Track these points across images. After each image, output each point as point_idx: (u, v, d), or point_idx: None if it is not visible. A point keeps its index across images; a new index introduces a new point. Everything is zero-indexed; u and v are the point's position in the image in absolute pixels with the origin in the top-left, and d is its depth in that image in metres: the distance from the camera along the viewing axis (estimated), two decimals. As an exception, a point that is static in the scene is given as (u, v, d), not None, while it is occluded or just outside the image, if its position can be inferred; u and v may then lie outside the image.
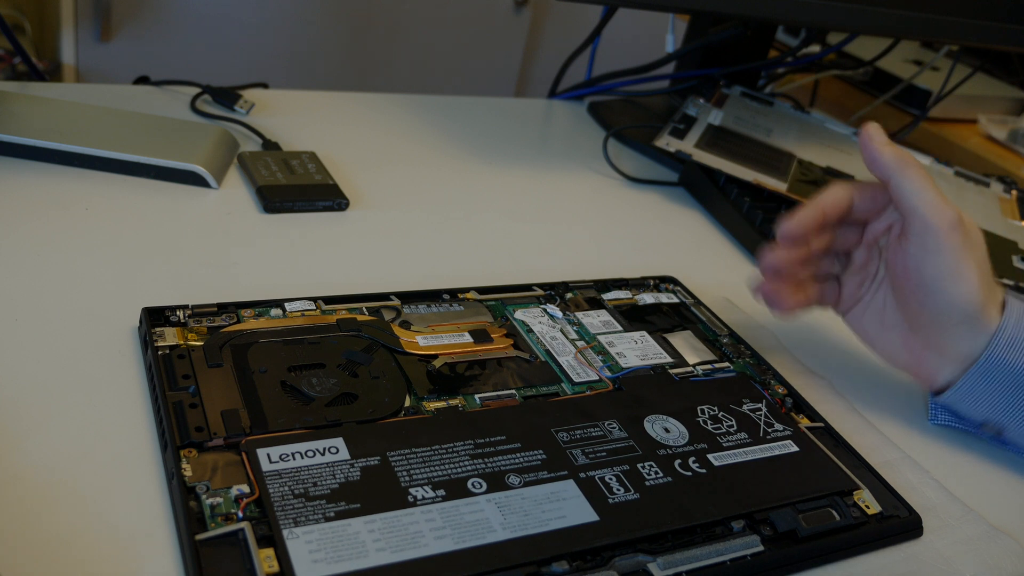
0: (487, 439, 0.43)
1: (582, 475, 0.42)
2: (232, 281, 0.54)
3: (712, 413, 0.48)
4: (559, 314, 0.55)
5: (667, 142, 0.78)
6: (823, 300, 0.54)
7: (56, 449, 0.40)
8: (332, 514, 0.37)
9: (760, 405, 0.49)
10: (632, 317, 0.56)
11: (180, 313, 0.48)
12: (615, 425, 0.45)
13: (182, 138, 0.67)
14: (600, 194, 0.77)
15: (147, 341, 0.45)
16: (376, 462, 0.40)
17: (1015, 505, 0.48)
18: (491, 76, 1.88)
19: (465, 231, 0.66)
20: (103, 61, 1.50)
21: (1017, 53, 1.30)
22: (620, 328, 0.55)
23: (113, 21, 1.48)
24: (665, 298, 0.59)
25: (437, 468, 0.40)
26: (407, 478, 0.40)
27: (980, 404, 0.50)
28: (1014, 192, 0.87)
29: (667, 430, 0.46)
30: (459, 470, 0.41)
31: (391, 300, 0.53)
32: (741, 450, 0.45)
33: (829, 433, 0.49)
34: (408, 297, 0.54)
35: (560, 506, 0.40)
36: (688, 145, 0.78)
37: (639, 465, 0.43)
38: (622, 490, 0.41)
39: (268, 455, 0.39)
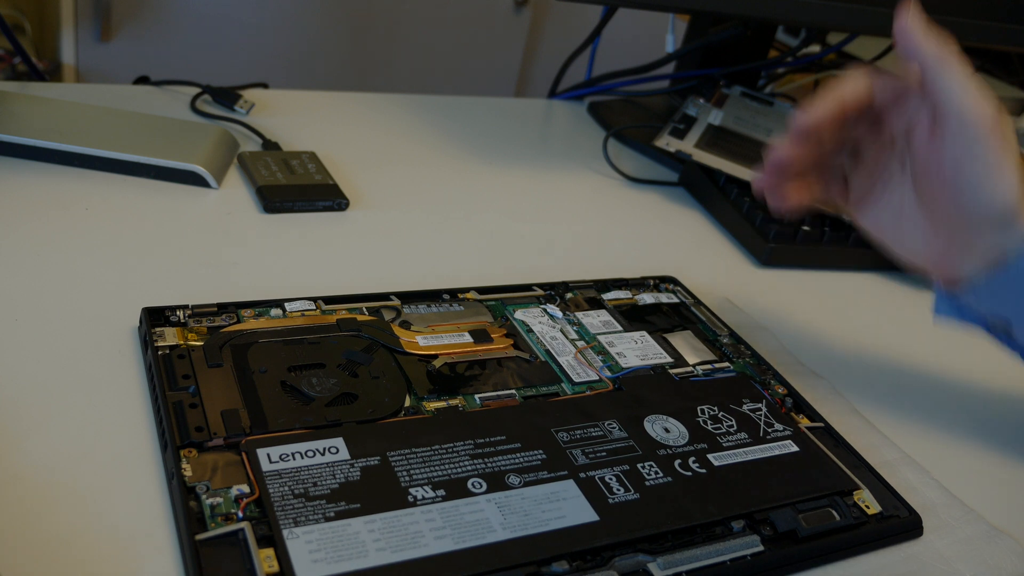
0: (487, 439, 0.43)
1: (582, 475, 0.42)
2: (232, 281, 0.54)
3: (712, 413, 0.48)
4: (559, 314, 0.55)
5: (667, 142, 0.78)
6: (828, 198, 0.52)
7: (56, 449, 0.40)
8: (332, 514, 0.37)
9: (760, 405, 0.49)
10: (632, 317, 0.56)
11: (180, 313, 0.48)
12: (615, 425, 0.45)
13: (182, 138, 0.67)
14: (600, 194, 0.77)
15: (147, 341, 0.45)
16: (376, 462, 0.40)
17: (1015, 505, 0.48)
18: (491, 76, 1.88)
19: (465, 231, 0.66)
20: (103, 61, 1.50)
21: (1017, 53, 1.30)
22: (620, 328, 0.55)
23: (113, 21, 1.48)
24: (665, 298, 0.59)
25: (437, 468, 0.40)
26: (407, 478, 0.40)
27: (996, 303, 0.48)
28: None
29: (667, 430, 0.46)
30: (459, 470, 0.41)
31: (391, 300, 0.53)
32: (741, 450, 0.45)
33: (829, 433, 0.49)
34: (408, 297, 0.54)
35: (560, 506, 0.40)
36: (688, 145, 0.78)
37: (639, 465, 0.43)
38: (622, 490, 0.41)
39: (268, 455, 0.39)
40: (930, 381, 0.58)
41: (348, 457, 0.40)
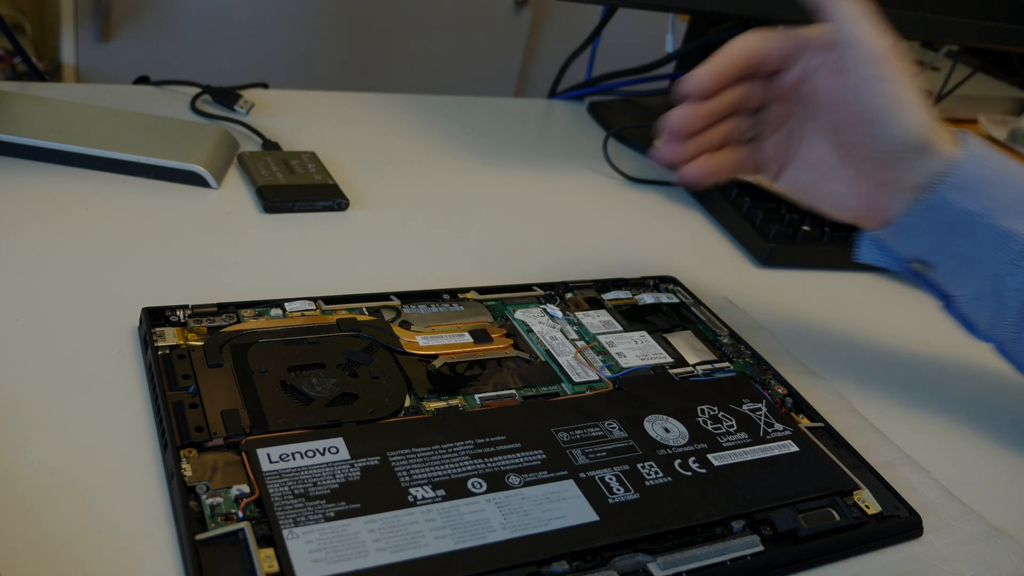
0: (487, 439, 0.43)
1: (582, 475, 0.42)
2: (232, 281, 0.54)
3: (712, 413, 0.48)
4: (559, 314, 0.55)
5: (667, 142, 0.78)
6: (742, 167, 0.52)
7: (56, 449, 0.40)
8: (332, 514, 0.37)
9: (760, 405, 0.49)
10: (632, 317, 0.56)
11: (180, 313, 0.48)
12: (615, 425, 0.45)
13: (182, 138, 0.67)
14: (600, 194, 0.77)
15: (147, 341, 0.45)
16: (376, 462, 0.40)
17: (1015, 505, 0.48)
18: (491, 76, 1.88)
19: (465, 231, 0.66)
20: (103, 61, 1.50)
21: (1017, 53, 1.30)
22: (620, 328, 0.55)
23: (113, 21, 1.48)
24: (665, 298, 0.59)
25: (437, 468, 0.40)
26: (407, 478, 0.40)
27: (917, 241, 0.49)
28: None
29: (667, 430, 0.46)
30: (459, 470, 0.41)
31: (391, 300, 0.53)
32: (741, 450, 0.45)
33: (829, 433, 0.49)
34: (408, 297, 0.54)
35: (560, 506, 0.40)
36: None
37: (639, 465, 0.43)
38: (622, 490, 0.41)
39: (268, 455, 0.39)
40: (930, 381, 0.58)
41: (348, 457, 0.40)
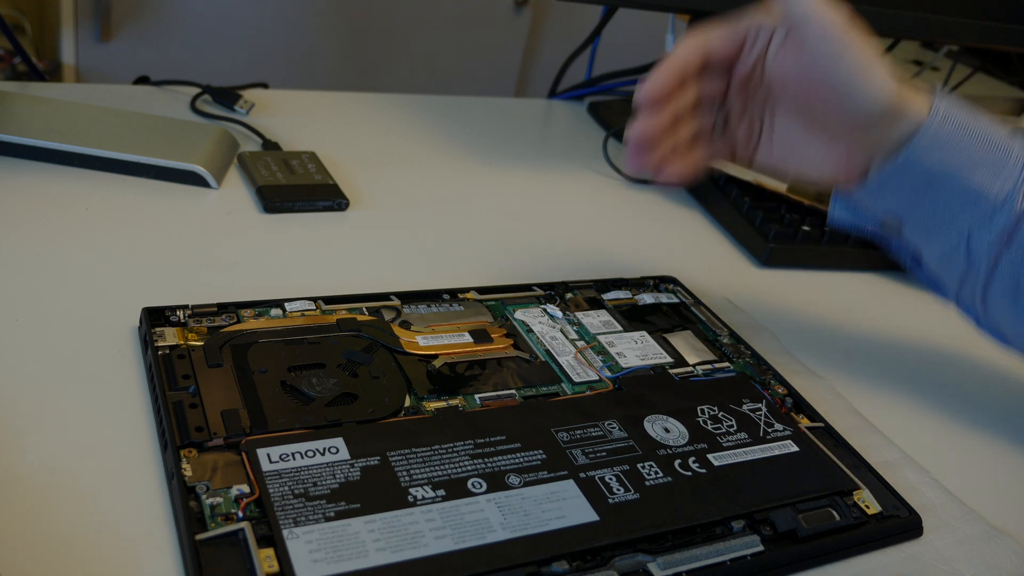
0: (487, 439, 0.43)
1: (582, 475, 0.42)
2: (232, 281, 0.54)
3: (712, 413, 0.48)
4: (559, 314, 0.55)
5: (667, 142, 0.78)
6: (715, 157, 0.52)
7: (56, 449, 0.40)
8: (332, 514, 0.37)
9: (760, 405, 0.49)
10: (632, 317, 0.56)
11: (180, 313, 0.48)
12: (615, 425, 0.45)
13: (182, 138, 0.67)
14: (600, 194, 0.77)
15: (147, 341, 0.45)
16: (376, 462, 0.40)
17: (1015, 505, 0.48)
18: (491, 76, 1.88)
19: (465, 231, 0.66)
20: (103, 61, 1.50)
21: (1017, 53, 1.30)
22: (620, 328, 0.55)
23: (113, 21, 1.48)
24: (665, 298, 0.59)
25: (437, 468, 0.40)
26: (407, 478, 0.40)
27: (889, 200, 0.49)
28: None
29: (667, 430, 0.46)
30: (459, 470, 0.41)
31: (391, 300, 0.53)
32: (741, 450, 0.45)
33: (829, 433, 0.49)
34: (408, 297, 0.54)
35: (560, 506, 0.40)
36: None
37: (639, 465, 0.43)
38: (622, 490, 0.41)
39: (268, 455, 0.39)
40: (930, 381, 0.58)
41: (348, 457, 0.40)
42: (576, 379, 0.49)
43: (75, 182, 0.62)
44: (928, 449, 0.51)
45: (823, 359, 0.58)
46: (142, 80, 0.81)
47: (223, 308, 0.49)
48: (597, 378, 0.50)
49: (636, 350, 0.53)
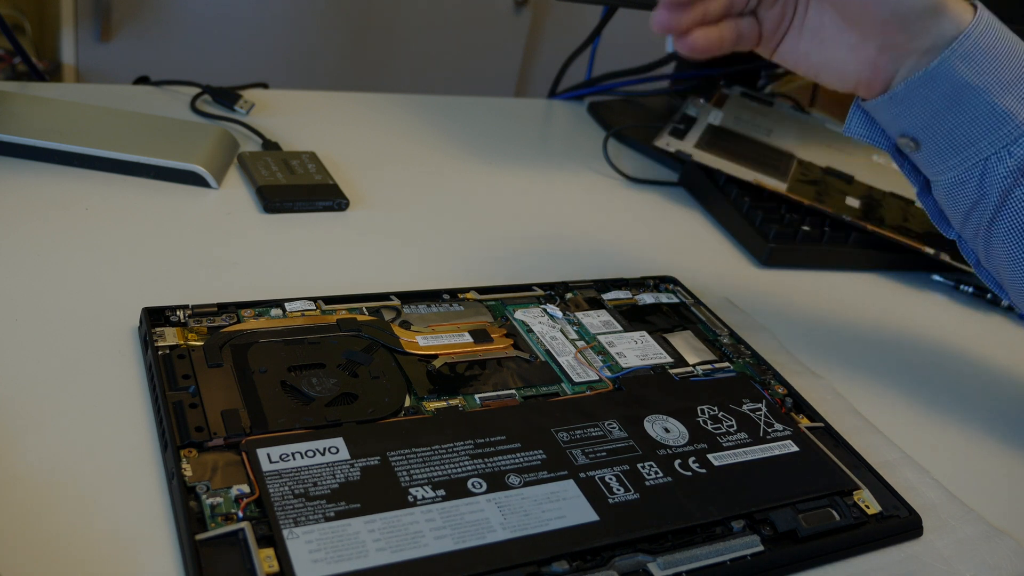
0: (487, 439, 0.43)
1: (582, 475, 0.42)
2: (232, 281, 0.54)
3: (712, 413, 0.48)
4: (559, 314, 0.55)
5: (667, 142, 0.78)
6: (740, 40, 0.51)
7: (56, 449, 0.40)
8: (332, 514, 0.37)
9: (760, 405, 0.49)
10: (632, 317, 0.56)
11: (180, 313, 0.48)
12: (615, 425, 0.45)
13: (182, 138, 0.67)
14: (600, 194, 0.77)
15: (147, 341, 0.45)
16: (376, 462, 0.40)
17: (1015, 505, 0.48)
18: (491, 76, 1.88)
19: (465, 231, 0.66)
20: (103, 61, 1.50)
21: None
22: (620, 328, 0.55)
23: (113, 21, 1.48)
24: (665, 298, 0.59)
25: (437, 468, 0.40)
26: (407, 478, 0.40)
27: (911, 114, 0.48)
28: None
29: (667, 430, 0.46)
30: (459, 470, 0.41)
31: (391, 300, 0.53)
32: (741, 450, 0.45)
33: (829, 433, 0.49)
34: (408, 297, 0.54)
35: (560, 506, 0.40)
36: (688, 145, 0.78)
37: (639, 465, 0.43)
38: (622, 490, 0.41)
39: (268, 455, 0.39)
40: (930, 381, 0.58)
41: (348, 457, 0.40)
42: (576, 379, 0.49)
43: (75, 182, 0.62)
44: (928, 449, 0.51)
45: (823, 359, 0.58)
46: (142, 80, 0.81)
47: (223, 308, 0.49)
48: (597, 378, 0.50)
49: (636, 350, 0.53)
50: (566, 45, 1.04)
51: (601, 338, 0.53)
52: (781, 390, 0.52)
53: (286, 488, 0.38)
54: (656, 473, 0.43)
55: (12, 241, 0.54)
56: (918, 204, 0.53)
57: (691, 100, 0.88)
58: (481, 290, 0.56)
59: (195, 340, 0.46)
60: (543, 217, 0.71)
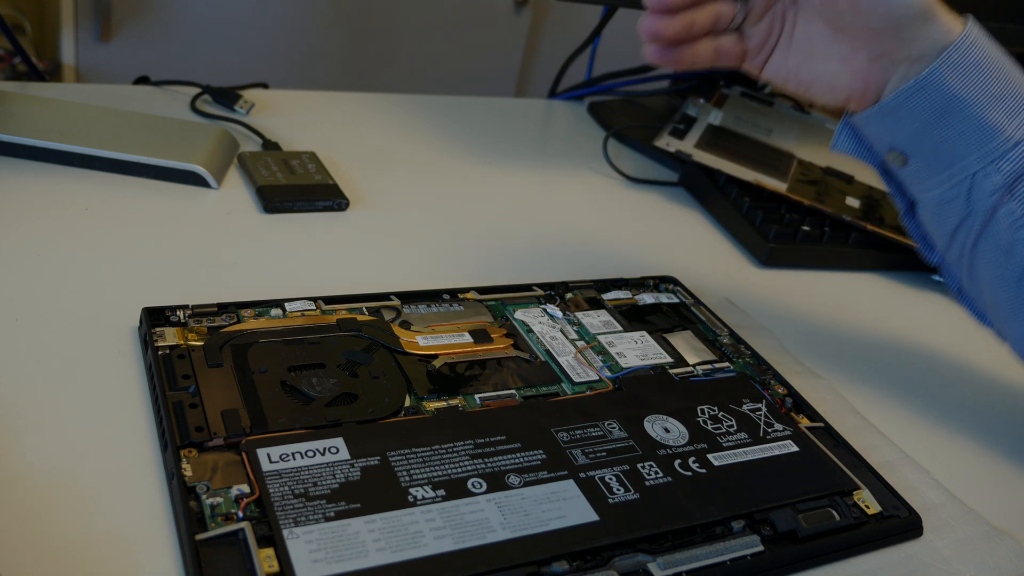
0: (487, 439, 0.43)
1: (582, 475, 0.42)
2: (232, 281, 0.54)
3: (712, 413, 0.48)
4: (559, 314, 0.55)
5: (667, 142, 0.78)
6: (724, 56, 0.51)
7: (56, 449, 0.40)
8: (332, 514, 0.37)
9: (760, 405, 0.49)
10: (632, 317, 0.56)
11: (180, 313, 0.48)
12: (615, 425, 0.45)
13: (182, 138, 0.67)
14: (600, 194, 0.77)
15: (147, 341, 0.45)
16: (376, 462, 0.40)
17: (1015, 505, 0.48)
18: (491, 76, 1.88)
19: (465, 231, 0.66)
20: (103, 61, 1.50)
21: (1017, 53, 1.30)
22: (620, 328, 0.55)
23: (113, 21, 1.48)
24: (665, 298, 0.59)
25: (437, 468, 0.40)
26: (407, 478, 0.40)
27: (900, 127, 0.47)
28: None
29: (667, 430, 0.46)
30: (459, 470, 0.41)
31: (391, 300, 0.53)
32: (741, 450, 0.45)
33: (829, 433, 0.49)
34: (408, 297, 0.54)
35: (560, 506, 0.40)
36: (688, 145, 0.78)
37: (639, 465, 0.43)
38: (622, 490, 0.41)
39: (268, 455, 0.39)
40: (930, 381, 0.58)
41: (348, 457, 0.40)
42: (576, 379, 0.49)
43: (75, 182, 0.62)
44: (928, 449, 0.51)
45: (823, 359, 0.58)
46: (142, 80, 0.81)
47: (223, 308, 0.49)
48: (597, 378, 0.50)
49: (636, 350, 0.53)
50: (566, 45, 1.04)
51: (601, 338, 0.53)
52: (781, 390, 0.52)
53: (286, 488, 0.38)
54: (656, 473, 0.43)
55: (12, 241, 0.54)
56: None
57: (691, 100, 0.88)
58: (481, 290, 0.56)
59: (195, 340, 0.46)
60: (543, 217, 0.71)
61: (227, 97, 0.77)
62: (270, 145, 0.72)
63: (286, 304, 0.50)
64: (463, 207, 0.70)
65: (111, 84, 0.79)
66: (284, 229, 0.62)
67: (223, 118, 0.74)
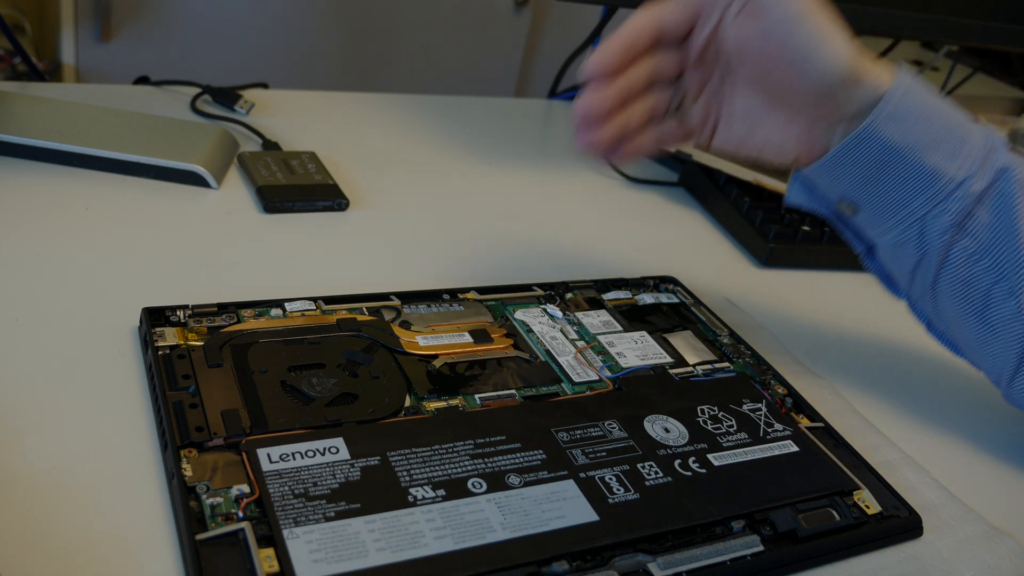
0: (487, 439, 0.43)
1: (582, 475, 0.42)
2: (232, 281, 0.54)
3: (712, 413, 0.48)
4: (559, 314, 0.55)
5: (667, 142, 0.78)
6: (668, 140, 0.51)
7: (56, 449, 0.40)
8: (332, 514, 0.37)
9: (760, 405, 0.49)
10: (632, 317, 0.56)
11: (180, 313, 0.48)
12: (615, 425, 0.45)
13: (182, 138, 0.67)
14: (600, 194, 0.77)
15: (147, 341, 0.45)
16: (376, 462, 0.40)
17: (1015, 505, 0.48)
18: (491, 76, 1.88)
19: (465, 231, 0.66)
20: (103, 61, 1.50)
21: (1017, 53, 1.30)
22: (620, 328, 0.55)
23: (113, 21, 1.48)
24: (665, 298, 0.59)
25: (437, 468, 0.40)
26: (407, 478, 0.40)
27: (845, 178, 0.48)
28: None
29: (667, 430, 0.46)
30: (459, 470, 0.41)
31: (391, 300, 0.53)
32: (741, 450, 0.45)
33: (829, 433, 0.49)
34: (408, 297, 0.54)
35: (560, 506, 0.40)
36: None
37: (639, 465, 0.43)
38: (622, 490, 0.41)
39: (268, 455, 0.39)
40: (930, 381, 0.58)
41: (348, 457, 0.40)
42: (576, 379, 0.49)
43: (75, 182, 0.62)
44: (928, 449, 0.51)
45: (823, 359, 0.58)
46: (142, 80, 0.81)
47: (223, 308, 0.49)
48: (597, 378, 0.50)
49: (636, 350, 0.53)
50: (566, 45, 1.04)
51: (601, 338, 0.53)
52: (781, 390, 0.52)
53: (286, 488, 0.38)
54: (656, 473, 0.43)
55: (12, 241, 0.54)
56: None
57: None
58: (481, 290, 0.56)
59: (195, 340, 0.46)
60: (543, 217, 0.71)
61: (227, 97, 0.77)
62: (270, 145, 0.72)
63: (286, 304, 0.50)
64: (463, 207, 0.70)
65: (111, 84, 0.79)
66: (284, 229, 0.62)
67: (223, 118, 0.74)
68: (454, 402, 0.46)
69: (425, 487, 0.39)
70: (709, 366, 0.53)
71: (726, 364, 0.53)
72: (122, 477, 0.39)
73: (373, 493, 0.38)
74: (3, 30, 0.73)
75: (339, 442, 0.41)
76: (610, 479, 0.42)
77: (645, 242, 0.70)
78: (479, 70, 1.86)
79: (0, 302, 0.49)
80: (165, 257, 0.56)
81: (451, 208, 0.69)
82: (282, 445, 0.40)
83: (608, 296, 0.58)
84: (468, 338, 0.51)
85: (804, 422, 0.49)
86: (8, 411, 0.41)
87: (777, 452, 0.46)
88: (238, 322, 0.48)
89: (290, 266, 0.57)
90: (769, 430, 0.47)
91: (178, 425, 0.40)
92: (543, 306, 0.56)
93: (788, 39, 0.45)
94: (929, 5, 0.79)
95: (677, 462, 0.44)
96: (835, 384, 0.55)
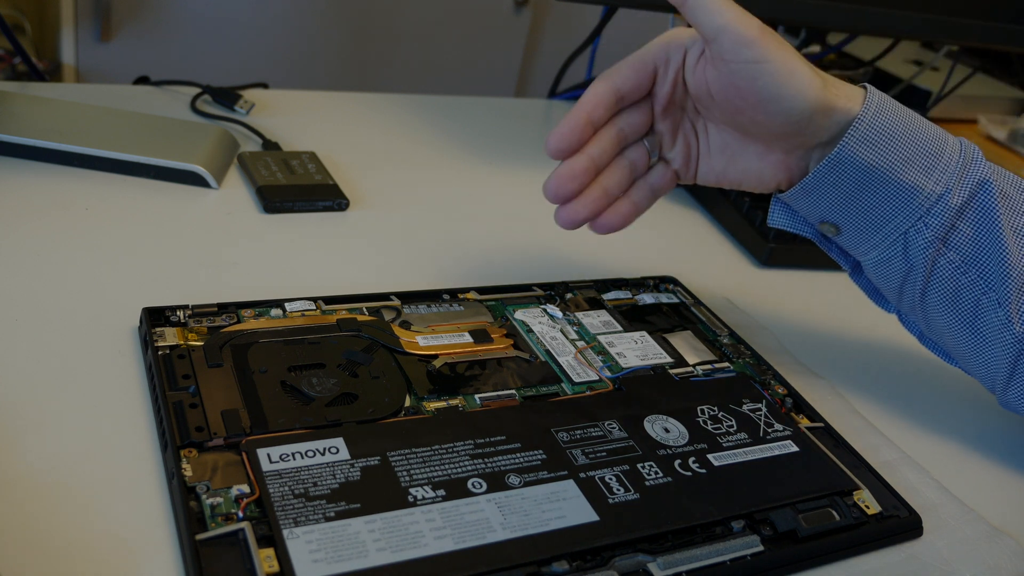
0: (487, 439, 0.43)
1: (582, 475, 0.42)
2: (232, 281, 0.54)
3: (712, 413, 0.48)
4: (559, 314, 0.55)
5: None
6: (660, 191, 0.52)
7: (56, 449, 0.40)
8: (332, 514, 0.37)
9: (760, 405, 0.49)
10: (632, 317, 0.56)
11: (180, 313, 0.48)
12: (615, 425, 0.45)
13: (182, 138, 0.67)
14: (600, 194, 0.76)
15: (147, 341, 0.45)
16: (376, 462, 0.40)
17: (1015, 505, 0.48)
18: (491, 76, 1.88)
19: (465, 231, 0.66)
20: (103, 61, 1.50)
21: (1017, 53, 1.30)
22: (620, 328, 0.55)
23: (113, 21, 1.48)
24: (665, 298, 0.59)
25: (437, 468, 0.40)
26: (407, 478, 0.40)
27: (825, 200, 0.48)
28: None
29: (667, 430, 0.46)
30: (459, 470, 0.41)
31: (391, 300, 0.53)
32: (741, 450, 0.45)
33: (829, 433, 0.49)
34: (408, 297, 0.54)
35: (560, 506, 0.40)
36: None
37: (639, 465, 0.43)
38: (622, 490, 0.41)
39: (268, 455, 0.39)
40: (930, 381, 0.58)
41: (348, 457, 0.40)
42: (576, 379, 0.49)
43: (75, 182, 0.62)
44: (928, 449, 0.51)
45: (823, 359, 0.58)
46: (142, 80, 0.81)
47: (223, 308, 0.49)
48: (597, 378, 0.50)
49: (636, 350, 0.53)
50: (566, 45, 1.04)
51: (601, 338, 0.53)
52: (781, 390, 0.52)
53: (286, 488, 0.38)
54: (656, 473, 0.43)
55: (12, 241, 0.54)
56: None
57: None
58: (481, 290, 0.56)
59: (195, 340, 0.46)
60: (543, 217, 0.70)
61: (227, 97, 0.77)
62: (270, 145, 0.72)
63: (286, 304, 0.50)
64: (463, 207, 0.70)
65: (111, 84, 0.79)
66: (284, 229, 0.62)
67: (223, 118, 0.74)
68: (454, 402, 0.46)
69: (425, 487, 0.39)
70: (709, 366, 0.53)
71: (726, 364, 0.53)
72: (122, 477, 0.39)
73: (373, 493, 0.38)
74: (3, 30, 0.73)
75: (339, 442, 0.41)
76: (610, 479, 0.42)
77: (645, 242, 0.70)
78: (479, 70, 1.86)
79: (0, 302, 0.49)
80: (165, 257, 0.56)
81: (451, 208, 0.69)
82: (282, 445, 0.40)
83: (608, 296, 0.58)
84: (468, 338, 0.51)
85: (804, 422, 0.49)
86: (8, 411, 0.41)
87: (777, 452, 0.46)
88: (238, 322, 0.48)
89: (290, 266, 0.57)
90: (769, 430, 0.47)
91: (178, 425, 0.40)
92: (543, 306, 0.56)
93: (752, 83, 0.45)
94: (929, 5, 0.79)
95: (677, 462, 0.44)
96: (835, 384, 0.55)
